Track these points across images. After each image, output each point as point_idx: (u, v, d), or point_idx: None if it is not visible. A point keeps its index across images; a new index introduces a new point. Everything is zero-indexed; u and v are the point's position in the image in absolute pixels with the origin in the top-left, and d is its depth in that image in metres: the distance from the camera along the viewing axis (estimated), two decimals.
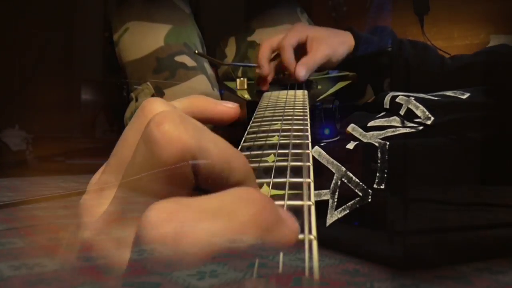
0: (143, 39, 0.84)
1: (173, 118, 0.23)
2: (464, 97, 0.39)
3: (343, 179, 0.33)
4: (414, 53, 0.58)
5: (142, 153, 0.24)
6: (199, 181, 0.24)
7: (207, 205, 0.21)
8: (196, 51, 0.80)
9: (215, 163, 0.23)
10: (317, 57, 0.66)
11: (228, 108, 0.30)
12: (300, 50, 0.68)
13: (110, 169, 0.28)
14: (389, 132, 0.31)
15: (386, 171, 0.30)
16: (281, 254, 0.16)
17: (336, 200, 0.27)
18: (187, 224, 0.19)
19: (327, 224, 0.27)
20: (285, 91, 0.60)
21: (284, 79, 0.70)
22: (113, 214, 0.24)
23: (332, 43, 0.68)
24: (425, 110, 0.34)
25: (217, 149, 0.24)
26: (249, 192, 0.21)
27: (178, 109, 0.26)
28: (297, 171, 0.25)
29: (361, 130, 0.39)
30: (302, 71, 0.64)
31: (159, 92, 0.80)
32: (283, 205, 0.21)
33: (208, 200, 0.21)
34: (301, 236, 0.17)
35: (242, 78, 0.73)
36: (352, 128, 0.43)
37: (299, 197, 0.21)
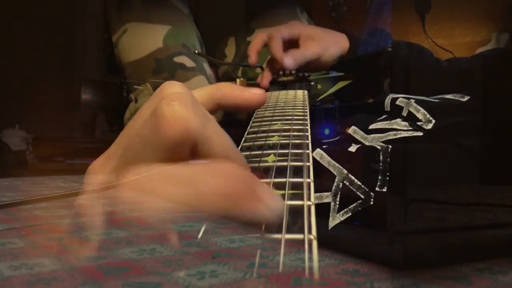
0: (142, 40, 0.84)
1: (185, 100, 0.24)
2: (464, 100, 0.39)
3: (344, 181, 0.32)
4: (410, 55, 0.58)
5: (149, 126, 0.25)
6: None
7: (179, 172, 0.21)
8: (196, 51, 0.80)
9: (215, 154, 0.23)
10: (307, 52, 0.66)
11: (255, 95, 0.30)
12: (292, 46, 0.68)
13: (121, 139, 0.29)
14: (390, 135, 0.31)
15: (388, 174, 0.30)
16: (281, 254, 0.16)
17: (338, 203, 0.27)
18: (154, 186, 0.20)
19: (330, 227, 0.27)
20: (285, 91, 0.60)
21: (285, 79, 0.70)
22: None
23: (324, 42, 0.68)
24: (426, 113, 0.34)
25: (219, 141, 0.24)
26: (224, 166, 0.21)
27: (195, 97, 0.26)
28: (297, 171, 0.25)
29: (362, 133, 0.39)
30: (289, 59, 0.64)
31: None
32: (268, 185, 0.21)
33: (182, 168, 0.22)
34: (301, 236, 0.17)
35: (242, 78, 0.73)
36: (353, 130, 0.42)
37: (299, 197, 0.21)
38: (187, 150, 0.23)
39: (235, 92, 0.31)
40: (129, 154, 0.27)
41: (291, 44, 0.68)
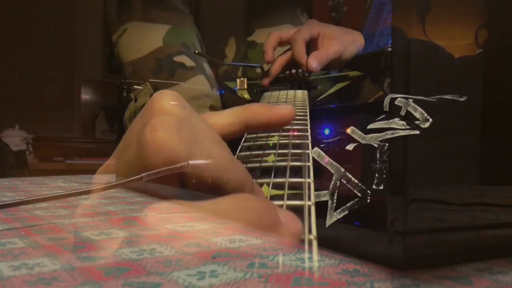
0: (142, 39, 0.84)
1: (169, 126, 0.23)
2: (462, 99, 0.39)
3: (342, 180, 0.33)
4: (423, 53, 0.58)
5: (133, 152, 0.25)
6: (191, 187, 0.24)
7: (203, 208, 0.21)
8: (196, 51, 0.80)
9: (206, 176, 0.23)
10: (329, 52, 0.66)
11: (284, 111, 0.30)
12: (311, 47, 0.68)
13: (115, 155, 0.29)
14: (388, 134, 0.31)
15: (385, 171, 0.30)
16: (281, 254, 0.16)
17: (335, 201, 0.28)
18: (183, 224, 0.19)
19: (327, 225, 0.28)
20: (285, 91, 0.60)
21: (290, 77, 0.70)
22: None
23: (344, 41, 0.68)
24: (423, 112, 0.34)
25: (207, 164, 0.23)
26: (245, 200, 0.21)
27: (188, 109, 0.26)
28: (297, 171, 0.25)
29: (360, 133, 0.39)
30: (314, 62, 0.64)
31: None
32: (282, 206, 0.21)
33: (204, 205, 0.21)
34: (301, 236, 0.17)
35: (242, 78, 0.73)
36: (351, 130, 0.43)
37: (299, 197, 0.21)
38: (174, 176, 0.23)
39: (263, 111, 0.31)
40: (118, 172, 0.27)
41: (309, 44, 0.68)
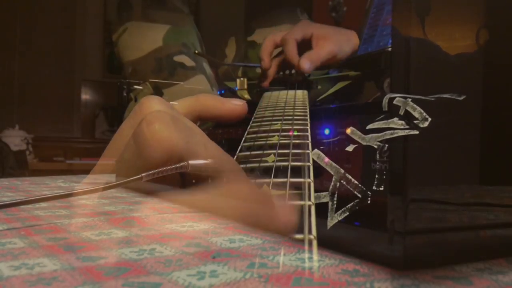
0: (142, 39, 0.84)
1: (164, 119, 0.23)
2: (461, 98, 0.39)
3: (342, 181, 0.33)
4: (423, 53, 0.58)
5: (131, 150, 0.25)
6: (185, 179, 0.24)
7: (199, 201, 0.21)
8: (196, 51, 0.80)
9: (204, 165, 0.23)
10: (322, 52, 0.66)
11: (236, 106, 0.30)
12: (305, 47, 0.68)
13: (104, 161, 0.29)
14: (387, 135, 0.31)
15: (385, 172, 0.30)
16: (282, 254, 0.16)
17: (335, 202, 0.28)
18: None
19: (328, 227, 0.28)
20: (285, 91, 0.60)
21: (287, 78, 0.70)
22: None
23: (338, 41, 0.68)
24: (422, 111, 0.34)
25: (205, 152, 0.24)
26: (238, 184, 0.21)
27: (175, 109, 0.26)
28: (297, 171, 0.25)
29: (360, 133, 0.39)
30: (306, 63, 0.64)
31: (158, 92, 0.80)
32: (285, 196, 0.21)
33: (200, 199, 0.22)
34: (301, 236, 0.17)
35: (242, 78, 0.73)
36: (351, 131, 0.43)
37: (299, 197, 0.21)
38: (174, 176, 0.23)
39: (216, 104, 0.30)
40: (118, 174, 0.27)
41: (303, 44, 0.68)
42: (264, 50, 0.70)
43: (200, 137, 0.24)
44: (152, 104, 0.26)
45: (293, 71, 0.70)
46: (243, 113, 0.29)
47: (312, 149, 0.30)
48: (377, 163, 0.28)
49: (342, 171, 0.30)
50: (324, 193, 0.28)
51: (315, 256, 0.16)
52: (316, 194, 0.22)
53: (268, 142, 0.32)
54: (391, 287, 0.13)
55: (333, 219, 0.25)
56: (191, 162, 0.22)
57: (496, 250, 0.18)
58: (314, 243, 0.16)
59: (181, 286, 0.13)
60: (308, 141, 0.31)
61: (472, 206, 0.17)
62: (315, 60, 0.65)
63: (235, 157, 0.30)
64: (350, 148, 0.27)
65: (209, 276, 0.13)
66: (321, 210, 0.26)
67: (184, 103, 0.31)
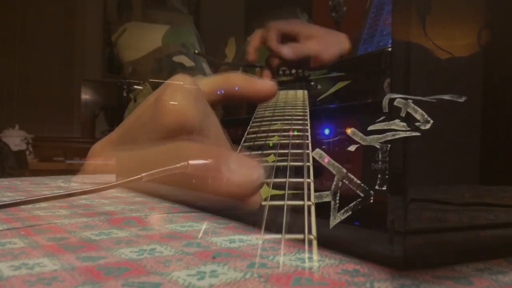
0: (141, 39, 0.84)
1: (187, 93, 0.24)
2: (461, 99, 0.39)
3: (344, 180, 0.33)
4: (423, 53, 0.58)
5: (149, 112, 0.26)
6: (191, 187, 0.25)
7: (153, 155, 0.23)
8: (196, 51, 0.80)
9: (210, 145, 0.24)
10: (305, 47, 0.66)
11: (266, 86, 0.29)
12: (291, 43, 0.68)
13: (124, 125, 0.29)
14: (389, 136, 0.31)
15: (387, 172, 0.30)
16: (282, 254, 0.16)
17: (337, 202, 0.28)
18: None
19: (331, 226, 0.28)
20: (285, 91, 0.60)
21: (285, 79, 0.70)
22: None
23: (324, 42, 0.68)
24: (423, 113, 0.34)
25: (215, 137, 0.24)
26: (188, 143, 0.22)
27: (201, 90, 0.26)
28: (297, 171, 0.25)
29: (361, 134, 0.39)
30: (287, 48, 0.64)
31: None
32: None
33: (154, 153, 0.23)
34: (301, 236, 0.17)
35: None
36: (352, 132, 0.43)
37: (300, 197, 0.21)
38: (182, 139, 0.23)
39: (246, 84, 0.29)
40: (128, 135, 0.28)
41: (289, 40, 0.68)
42: (250, 45, 0.71)
43: (213, 120, 0.25)
44: (181, 80, 0.27)
45: (293, 71, 0.70)
46: (273, 95, 0.28)
47: (312, 149, 0.30)
48: (378, 162, 0.28)
49: (344, 170, 0.29)
50: (326, 193, 0.28)
51: (315, 256, 0.16)
52: (318, 193, 0.22)
53: (268, 142, 0.32)
54: (391, 287, 0.13)
55: (336, 219, 0.25)
56: (191, 162, 0.22)
57: (496, 250, 0.18)
58: (314, 243, 0.16)
59: (181, 286, 0.13)
60: (308, 141, 0.31)
61: (472, 206, 0.17)
62: (296, 50, 0.65)
63: None
64: (352, 148, 0.27)
65: (209, 276, 0.13)
66: (321, 210, 0.26)
67: (211, 80, 0.31)
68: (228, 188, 0.20)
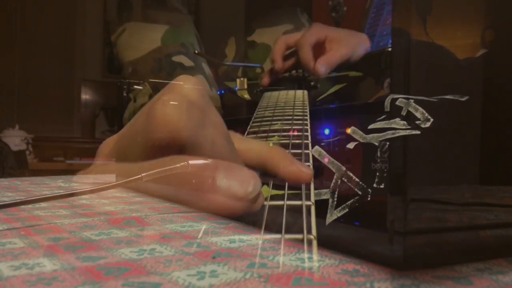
0: (140, 39, 0.84)
1: (180, 105, 0.24)
2: (463, 99, 0.39)
3: (343, 178, 0.33)
4: (423, 53, 0.58)
5: (141, 121, 0.25)
6: (191, 187, 0.25)
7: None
8: (196, 51, 0.80)
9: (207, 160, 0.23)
10: (337, 55, 0.66)
11: (302, 173, 0.27)
12: (319, 50, 0.68)
13: (100, 161, 0.29)
14: (389, 135, 0.31)
15: (385, 171, 0.30)
16: (282, 254, 0.16)
17: (336, 199, 0.28)
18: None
19: (327, 223, 0.28)
20: (285, 91, 0.60)
21: (290, 77, 0.70)
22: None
23: (352, 44, 0.68)
24: (424, 112, 0.34)
25: (211, 149, 0.24)
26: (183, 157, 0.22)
27: (206, 97, 0.26)
28: None
29: (361, 133, 0.39)
30: (322, 66, 0.64)
31: (157, 93, 0.80)
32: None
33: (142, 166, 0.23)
34: (300, 236, 0.17)
35: (242, 78, 0.73)
36: (352, 130, 0.43)
37: (299, 197, 0.21)
38: (174, 152, 0.23)
39: (284, 163, 0.28)
40: (122, 144, 0.28)
41: (317, 47, 0.68)
42: (277, 52, 0.70)
43: (212, 130, 0.24)
44: (183, 86, 0.26)
45: (293, 71, 0.70)
46: (307, 181, 0.27)
47: (312, 149, 0.30)
48: (378, 162, 0.28)
49: (344, 168, 0.30)
50: (325, 190, 0.28)
51: (315, 256, 0.16)
52: (316, 191, 0.22)
53: (267, 142, 0.32)
54: (391, 287, 0.13)
55: (332, 216, 0.25)
56: (191, 162, 0.22)
57: (496, 250, 0.18)
58: (314, 243, 0.16)
59: (181, 286, 0.13)
60: (308, 141, 0.31)
61: (472, 206, 0.17)
62: (330, 63, 0.65)
63: None
64: (351, 145, 0.27)
65: (209, 276, 0.13)
66: (321, 210, 0.26)
67: (257, 147, 0.29)
68: (224, 204, 0.20)
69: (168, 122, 0.23)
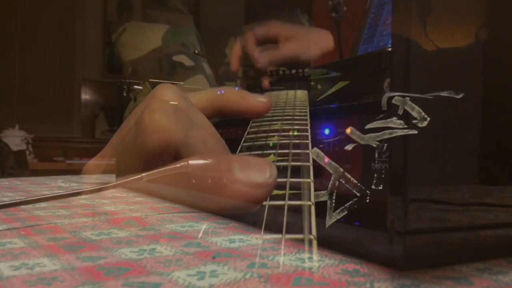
0: (141, 39, 0.84)
1: (167, 110, 0.24)
2: (458, 96, 0.39)
3: (340, 180, 0.33)
4: (421, 52, 0.58)
5: (132, 134, 0.25)
6: (191, 187, 0.25)
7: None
8: (196, 51, 0.80)
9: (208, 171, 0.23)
10: (283, 51, 0.67)
11: (259, 103, 0.29)
12: (272, 46, 0.69)
13: (115, 139, 0.29)
14: (386, 134, 0.31)
15: (383, 171, 0.30)
16: (282, 254, 0.16)
17: (334, 201, 0.28)
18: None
19: (327, 226, 0.28)
20: (285, 91, 0.60)
21: (290, 77, 0.70)
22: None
23: (304, 42, 0.69)
24: (420, 111, 0.34)
25: (204, 148, 0.24)
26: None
27: (188, 100, 0.26)
28: (297, 171, 0.25)
29: (359, 133, 0.39)
30: (264, 57, 0.65)
31: None
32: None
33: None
34: (301, 236, 0.17)
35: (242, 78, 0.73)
36: (351, 131, 0.43)
37: (300, 197, 0.21)
38: (169, 158, 0.23)
39: (240, 100, 0.30)
40: (118, 159, 0.28)
41: (269, 43, 0.70)
42: (233, 54, 0.72)
43: (201, 131, 0.24)
44: (164, 93, 0.26)
45: (293, 71, 0.70)
46: (266, 111, 0.28)
47: (312, 148, 0.30)
48: (376, 162, 0.28)
49: (341, 169, 0.30)
50: (322, 192, 0.28)
51: (315, 256, 0.16)
52: (315, 193, 0.22)
53: (268, 142, 0.32)
54: (391, 287, 0.13)
55: (331, 218, 0.25)
56: (191, 162, 0.22)
57: (496, 250, 0.18)
58: (314, 243, 0.16)
59: (181, 286, 0.13)
60: (308, 141, 0.31)
61: (472, 206, 0.17)
62: (273, 57, 0.66)
63: None
64: (349, 147, 0.27)
65: (209, 276, 0.13)
66: (321, 210, 0.26)
67: (205, 94, 0.31)
68: (248, 194, 0.20)
69: (158, 127, 0.23)
